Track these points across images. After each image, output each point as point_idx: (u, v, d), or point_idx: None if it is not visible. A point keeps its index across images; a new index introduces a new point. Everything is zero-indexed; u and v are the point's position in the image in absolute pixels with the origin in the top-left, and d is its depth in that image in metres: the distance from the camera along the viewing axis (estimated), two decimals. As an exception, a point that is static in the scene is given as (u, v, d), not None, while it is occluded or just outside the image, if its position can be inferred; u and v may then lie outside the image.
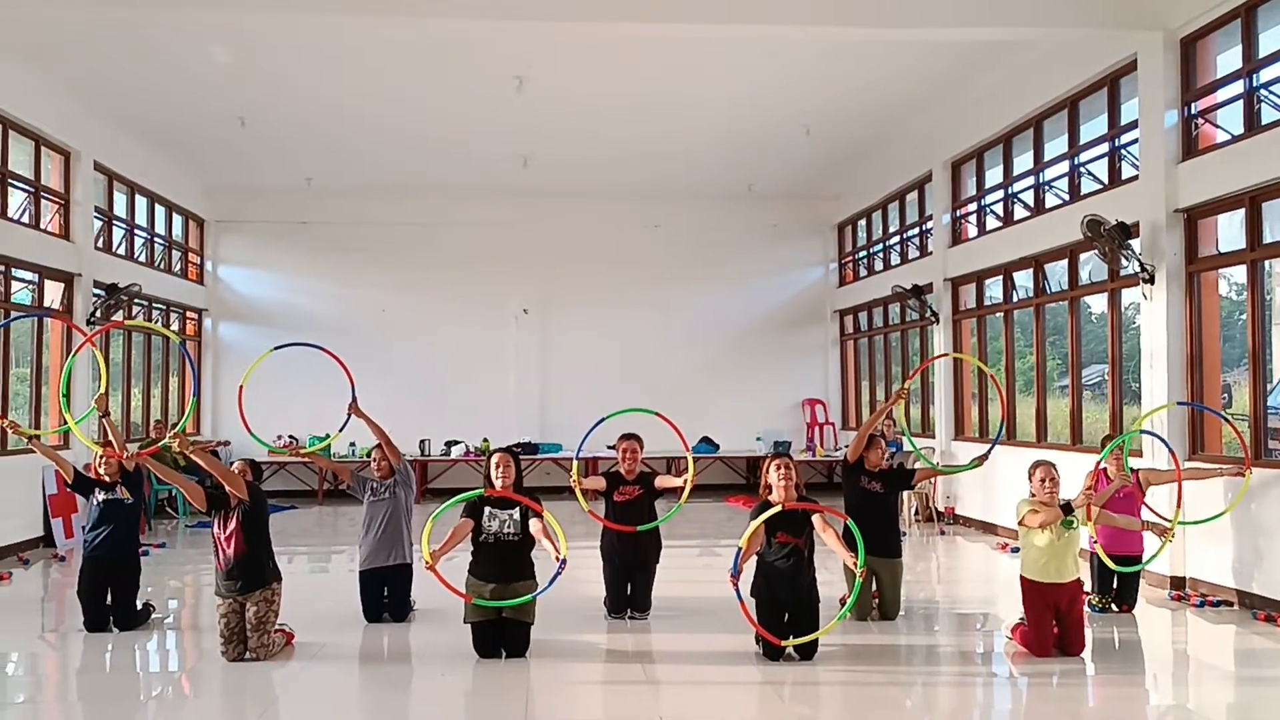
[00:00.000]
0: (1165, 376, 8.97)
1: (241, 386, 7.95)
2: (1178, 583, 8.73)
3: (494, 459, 6.91)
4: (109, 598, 7.47)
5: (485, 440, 16.22)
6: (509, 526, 6.69)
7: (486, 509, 6.73)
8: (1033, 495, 6.74)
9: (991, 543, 11.53)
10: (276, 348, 7.98)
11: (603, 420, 7.96)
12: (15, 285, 11.48)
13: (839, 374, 18.11)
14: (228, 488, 6.60)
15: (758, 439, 17.01)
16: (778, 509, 6.35)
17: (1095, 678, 6.35)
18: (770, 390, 17.60)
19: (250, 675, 6.34)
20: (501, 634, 6.62)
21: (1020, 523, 6.76)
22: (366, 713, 6.00)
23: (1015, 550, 10.63)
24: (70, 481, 7.67)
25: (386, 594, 7.68)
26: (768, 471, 6.71)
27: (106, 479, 7.58)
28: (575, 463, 7.70)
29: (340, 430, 8.20)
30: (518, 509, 6.73)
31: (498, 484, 6.76)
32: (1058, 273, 11.23)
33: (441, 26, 9.59)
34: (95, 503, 7.55)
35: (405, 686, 6.45)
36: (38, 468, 11.37)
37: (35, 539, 11.32)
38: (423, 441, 16.14)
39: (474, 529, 6.69)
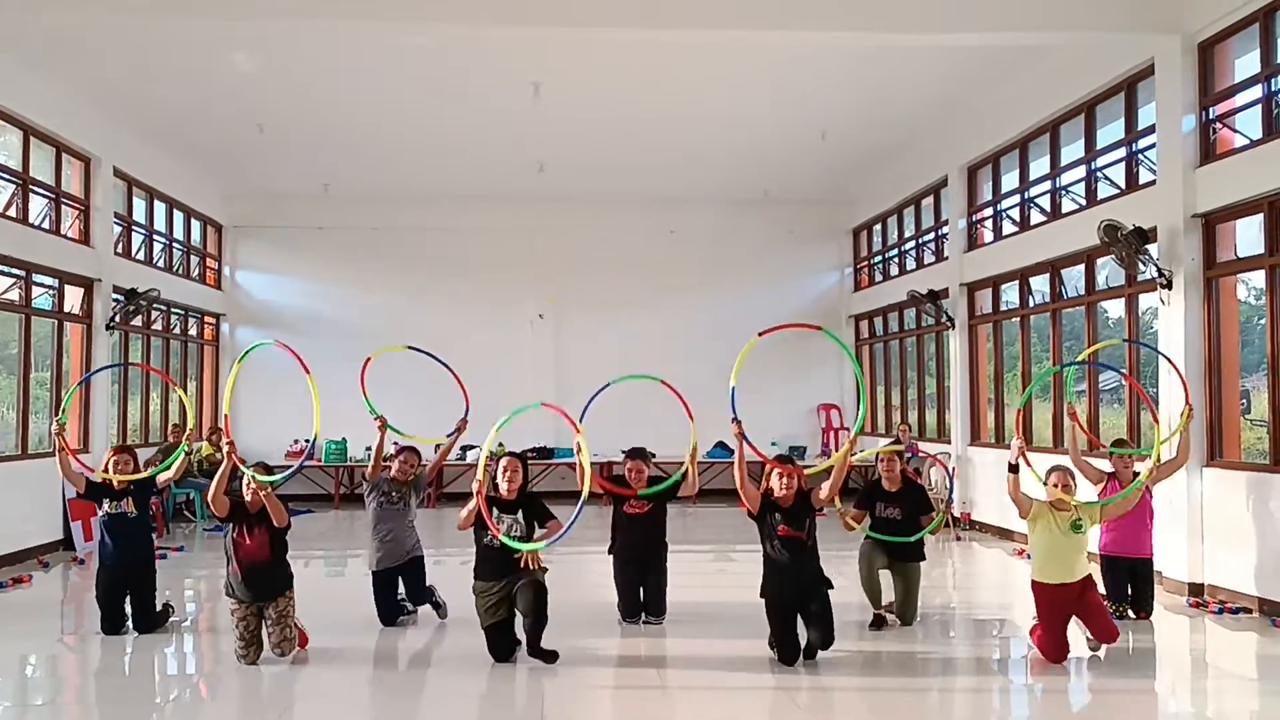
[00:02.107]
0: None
1: (370, 359, 8.47)
2: (1196, 589, 8.67)
3: (501, 463, 6.79)
4: (127, 601, 7.52)
5: (500, 445, 16.22)
6: (515, 530, 6.61)
7: (494, 510, 6.62)
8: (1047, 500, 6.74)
9: (1008, 549, 11.47)
10: (410, 347, 8.84)
11: (607, 385, 7.92)
12: (36, 290, 11.58)
13: (854, 379, 18.06)
14: (275, 520, 6.64)
15: (773, 444, 16.95)
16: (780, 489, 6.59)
17: (1112, 685, 6.31)
18: (785, 396, 17.56)
19: (267, 679, 6.38)
20: (513, 629, 6.56)
21: (1024, 517, 6.79)
22: (381, 717, 6.01)
23: (1030, 557, 10.60)
24: (82, 491, 7.64)
25: (402, 590, 7.72)
26: (769, 477, 6.77)
27: (116, 486, 7.50)
28: (579, 433, 7.40)
29: (448, 437, 8.93)
30: (521, 511, 6.67)
31: (503, 487, 6.68)
32: (1074, 278, 11.18)
33: (458, 33, 9.63)
34: (100, 515, 7.51)
35: (420, 691, 6.47)
36: (57, 471, 11.46)
37: (55, 542, 11.40)
38: (438, 445, 16.14)
39: (476, 534, 6.62)
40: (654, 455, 8.16)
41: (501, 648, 6.61)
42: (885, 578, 7.73)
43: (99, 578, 7.56)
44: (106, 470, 7.58)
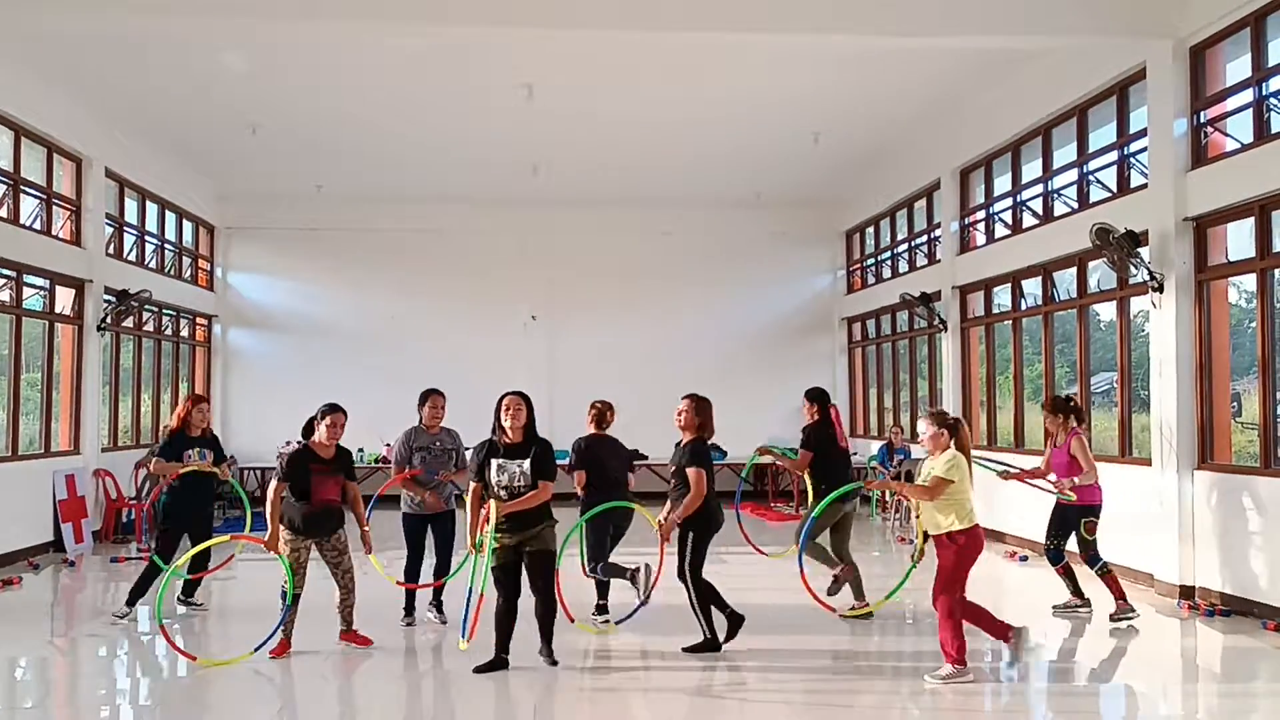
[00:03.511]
0: (1174, 385, 8.96)
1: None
2: (1187, 592, 8.69)
3: (503, 402, 6.40)
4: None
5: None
6: (519, 480, 6.27)
7: (494, 462, 6.31)
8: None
9: (998, 551, 11.48)
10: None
11: None
12: (27, 291, 11.54)
13: (847, 381, 18.09)
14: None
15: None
16: None
17: (1104, 687, 6.33)
18: (778, 397, 17.56)
19: (261, 675, 6.38)
20: (520, 571, 6.33)
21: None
22: (379, 715, 6.00)
23: (1024, 559, 10.63)
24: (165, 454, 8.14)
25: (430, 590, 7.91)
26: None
27: (197, 432, 8.16)
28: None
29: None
30: (529, 460, 6.26)
31: (508, 426, 6.37)
32: (1066, 281, 11.21)
33: (452, 34, 9.63)
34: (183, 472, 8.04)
35: (418, 691, 6.47)
36: (48, 472, 11.43)
37: (45, 544, 11.36)
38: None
39: (483, 487, 6.34)
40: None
41: (509, 582, 6.33)
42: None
43: (167, 529, 8.09)
44: (186, 419, 8.16)
